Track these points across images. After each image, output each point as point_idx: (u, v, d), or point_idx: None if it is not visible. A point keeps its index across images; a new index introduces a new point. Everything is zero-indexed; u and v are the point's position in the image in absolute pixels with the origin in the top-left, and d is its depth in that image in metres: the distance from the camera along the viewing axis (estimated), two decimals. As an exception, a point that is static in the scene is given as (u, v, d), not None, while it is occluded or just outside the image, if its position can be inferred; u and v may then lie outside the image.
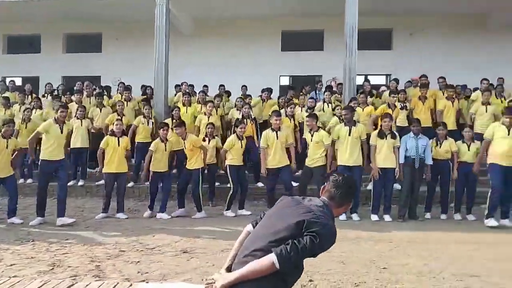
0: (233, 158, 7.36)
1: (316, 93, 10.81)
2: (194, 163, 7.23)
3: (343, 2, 9.83)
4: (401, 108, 8.65)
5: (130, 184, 8.41)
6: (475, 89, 9.74)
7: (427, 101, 8.92)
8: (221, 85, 10.93)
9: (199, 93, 9.97)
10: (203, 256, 4.85)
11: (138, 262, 4.59)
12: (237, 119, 8.43)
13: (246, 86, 10.70)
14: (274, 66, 12.84)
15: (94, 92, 10.20)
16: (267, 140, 7.28)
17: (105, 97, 9.99)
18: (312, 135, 7.26)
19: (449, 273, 4.30)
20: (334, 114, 8.47)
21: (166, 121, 8.13)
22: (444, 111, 8.71)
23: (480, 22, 12.38)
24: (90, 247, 5.17)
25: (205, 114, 8.77)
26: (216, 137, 8.06)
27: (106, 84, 11.97)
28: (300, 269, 2.19)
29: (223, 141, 7.95)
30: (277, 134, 7.25)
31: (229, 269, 2.26)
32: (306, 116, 7.62)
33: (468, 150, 7.06)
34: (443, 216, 7.19)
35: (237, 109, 9.06)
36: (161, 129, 7.28)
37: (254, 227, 2.43)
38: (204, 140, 7.78)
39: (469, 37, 12.40)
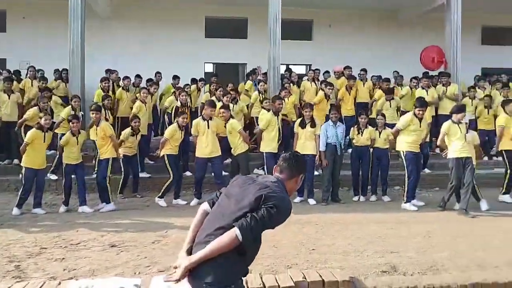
0: (172, 147, 7.25)
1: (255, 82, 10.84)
2: (104, 152, 6.95)
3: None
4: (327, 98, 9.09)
5: (54, 177, 7.92)
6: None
7: (352, 91, 9.51)
8: (158, 72, 10.60)
9: (124, 79, 9.56)
10: (133, 249, 4.70)
11: (63, 259, 4.32)
12: (177, 107, 8.23)
13: (178, 77, 10.53)
14: (198, 53, 12.62)
15: (1, 77, 9.26)
16: (198, 128, 7.25)
17: (15, 82, 9.15)
18: (225, 126, 7.42)
19: (371, 250, 4.64)
20: (263, 107, 8.63)
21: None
22: (379, 102, 9.30)
23: (392, 16, 13.33)
24: (7, 246, 4.74)
25: (141, 101, 8.46)
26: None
27: (14, 69, 10.87)
28: (258, 244, 2.27)
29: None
30: (208, 123, 7.22)
31: (189, 252, 2.25)
32: (220, 108, 7.69)
33: (379, 137, 7.65)
34: (362, 198, 7.72)
35: (176, 98, 8.91)
36: (70, 122, 6.90)
37: (210, 206, 2.42)
38: (132, 134, 7.56)
39: (381, 30, 13.29)
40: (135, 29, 12.38)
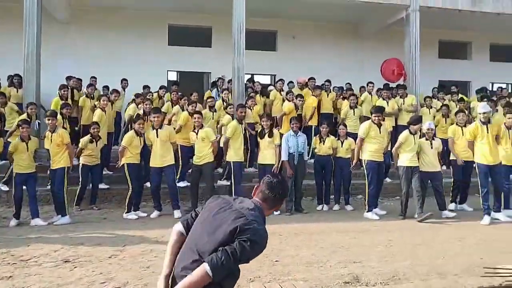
0: (132, 155, 7.00)
1: (217, 91, 10.81)
2: (58, 161, 6.63)
3: (231, 1, 9.95)
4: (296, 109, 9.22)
5: (5, 188, 7.52)
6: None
7: (322, 102, 9.72)
8: (124, 79, 10.39)
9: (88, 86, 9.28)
10: (88, 265, 4.46)
11: (10, 277, 4.02)
12: (137, 114, 8.04)
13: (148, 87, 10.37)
14: (161, 61, 12.41)
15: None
16: (148, 137, 7.16)
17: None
18: (197, 133, 7.28)
19: (334, 261, 4.62)
20: (227, 112, 8.69)
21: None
22: (343, 110, 9.56)
23: (355, 29, 13.66)
24: None
25: (101, 109, 8.22)
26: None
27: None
28: (236, 275, 2.17)
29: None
30: (157, 133, 7.05)
31: (168, 277, 2.17)
32: (195, 113, 7.61)
33: (342, 146, 7.74)
34: (326, 208, 7.75)
35: (137, 105, 8.76)
36: (20, 127, 6.59)
37: (185, 227, 2.30)
38: (91, 141, 7.27)
39: (344, 42, 13.56)
40: (96, 35, 12.03)
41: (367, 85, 10.51)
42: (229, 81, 10.62)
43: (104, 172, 8.25)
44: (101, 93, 9.52)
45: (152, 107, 8.04)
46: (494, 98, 10.60)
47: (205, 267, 1.98)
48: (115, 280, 3.98)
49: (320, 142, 7.72)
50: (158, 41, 12.50)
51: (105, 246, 5.17)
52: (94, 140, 7.39)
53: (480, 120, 6.86)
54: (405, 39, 11.05)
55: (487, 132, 6.76)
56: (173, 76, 13.74)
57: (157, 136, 7.05)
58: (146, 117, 7.76)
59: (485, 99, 9.91)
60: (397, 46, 11.54)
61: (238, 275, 2.20)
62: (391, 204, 8.25)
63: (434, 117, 9.86)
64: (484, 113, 6.83)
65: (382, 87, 10.66)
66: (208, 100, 9.35)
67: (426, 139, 7.09)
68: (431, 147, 7.02)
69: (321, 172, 7.78)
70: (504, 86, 13.35)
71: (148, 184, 7.98)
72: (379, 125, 7.22)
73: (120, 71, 10.88)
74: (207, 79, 13.12)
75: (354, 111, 9.39)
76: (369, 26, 13.20)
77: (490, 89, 14.18)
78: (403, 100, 9.94)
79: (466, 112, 8.86)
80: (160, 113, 7.38)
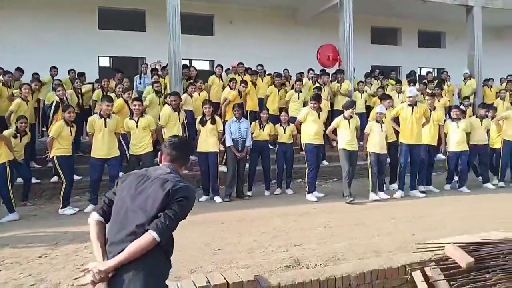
0: (62, 147, 6.57)
1: (140, 77, 10.38)
2: None
3: (165, -18, 9.59)
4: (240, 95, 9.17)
5: None
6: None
7: (257, 87, 9.62)
8: (53, 67, 9.64)
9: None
10: (15, 266, 4.12)
11: None
12: (57, 102, 7.55)
13: (56, 68, 9.68)
14: (91, 46, 11.73)
15: None
16: (93, 126, 6.72)
17: None
18: (137, 121, 6.99)
19: (276, 245, 4.65)
20: (165, 102, 8.35)
21: None
22: (270, 97, 9.48)
23: (291, 15, 13.77)
24: None
25: (22, 98, 7.60)
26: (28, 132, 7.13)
27: None
28: (173, 239, 2.29)
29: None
30: (105, 121, 6.68)
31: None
32: (134, 100, 7.31)
33: (284, 132, 7.82)
34: (267, 193, 7.81)
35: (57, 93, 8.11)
36: None
37: (101, 214, 2.31)
38: (15, 136, 6.72)
39: (281, 27, 13.64)
40: (23, 19, 11.08)
41: (308, 71, 10.65)
42: (164, 67, 10.29)
43: (31, 166, 7.68)
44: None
45: (104, 95, 7.70)
46: (425, 82, 11.21)
47: (151, 233, 2.07)
48: (46, 281, 3.72)
49: (260, 128, 7.71)
50: (87, 25, 11.78)
51: (34, 245, 4.81)
52: (19, 134, 6.83)
53: (407, 103, 7.39)
54: (339, 25, 11.31)
55: (411, 114, 7.33)
56: (105, 62, 13.09)
57: (105, 126, 6.66)
58: (63, 104, 7.40)
59: (412, 83, 10.46)
60: (332, 32, 11.78)
61: (173, 241, 2.31)
62: (329, 186, 8.50)
63: (366, 101, 10.23)
64: (410, 96, 7.44)
65: (319, 72, 10.85)
66: (155, 84, 8.97)
67: (377, 121, 7.36)
68: (381, 130, 7.31)
69: (257, 157, 7.78)
70: (431, 70, 14.15)
71: (75, 176, 7.55)
72: (318, 110, 7.38)
73: (48, 58, 10.19)
74: (141, 64, 12.61)
75: (298, 95, 9.48)
76: (305, 12, 13.35)
77: (419, 73, 15.02)
78: (340, 85, 10.19)
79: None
80: (112, 102, 6.98)
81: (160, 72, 10.24)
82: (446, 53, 15.89)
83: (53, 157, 6.58)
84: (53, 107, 7.76)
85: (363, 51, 13.47)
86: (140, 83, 10.13)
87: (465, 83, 11.95)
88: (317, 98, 7.52)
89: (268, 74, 10.44)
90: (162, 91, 9.09)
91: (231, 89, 9.16)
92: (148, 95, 8.91)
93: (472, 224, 5.45)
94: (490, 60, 13.59)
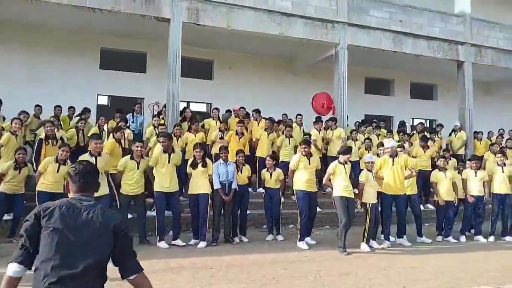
0: (46, 182, 6.68)
1: (133, 116, 10.41)
2: None
3: (167, 28, 9.94)
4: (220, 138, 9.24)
5: None
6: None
7: (253, 131, 9.80)
8: (37, 106, 9.69)
9: None
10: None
11: None
12: (40, 139, 7.65)
13: (60, 107, 9.84)
14: (91, 84, 11.95)
15: None
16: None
17: None
18: (138, 162, 7.15)
19: (265, 294, 4.58)
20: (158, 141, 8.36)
21: None
22: (261, 141, 9.69)
23: (288, 64, 14.21)
24: None
25: (11, 132, 7.67)
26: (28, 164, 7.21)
27: None
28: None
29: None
30: (96, 160, 6.67)
31: None
32: (138, 142, 7.54)
33: (271, 177, 7.86)
34: (244, 239, 7.64)
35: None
36: None
37: (23, 263, 2.04)
38: (16, 168, 6.85)
39: (278, 76, 14.01)
40: (20, 53, 11.33)
41: (296, 117, 10.91)
42: (162, 109, 10.47)
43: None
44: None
45: (94, 133, 7.75)
46: (409, 133, 11.47)
47: (144, 274, 2.18)
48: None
49: (238, 171, 7.70)
50: (89, 64, 12.06)
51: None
52: (18, 166, 6.84)
53: (388, 155, 7.64)
54: (334, 75, 11.66)
55: (393, 164, 7.50)
56: (103, 101, 13.28)
57: (96, 164, 6.69)
58: (48, 141, 7.51)
59: (401, 134, 10.79)
60: (327, 81, 12.12)
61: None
62: (321, 234, 8.43)
63: (359, 149, 10.40)
64: (387, 147, 7.66)
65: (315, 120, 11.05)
66: (160, 127, 9.07)
67: (368, 170, 7.41)
68: (373, 179, 7.34)
69: (238, 202, 7.65)
70: (423, 121, 14.46)
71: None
72: (309, 156, 7.47)
73: (45, 93, 10.37)
74: (135, 104, 12.81)
75: (289, 141, 9.60)
76: (302, 61, 13.78)
77: (411, 124, 15.33)
78: (333, 132, 10.38)
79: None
80: (101, 140, 7.06)
81: (155, 113, 10.44)
82: (438, 105, 16.31)
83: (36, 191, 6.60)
84: (37, 143, 7.79)
85: (357, 101, 13.82)
86: (133, 122, 10.17)
87: (455, 135, 12.20)
88: (306, 142, 7.64)
89: (265, 119, 10.60)
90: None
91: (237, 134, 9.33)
92: (151, 136, 9.01)
93: (463, 276, 5.41)
94: (480, 113, 13.96)
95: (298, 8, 11.03)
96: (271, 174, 7.87)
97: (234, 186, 7.42)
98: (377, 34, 11.96)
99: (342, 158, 7.24)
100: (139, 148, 7.13)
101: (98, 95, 12.51)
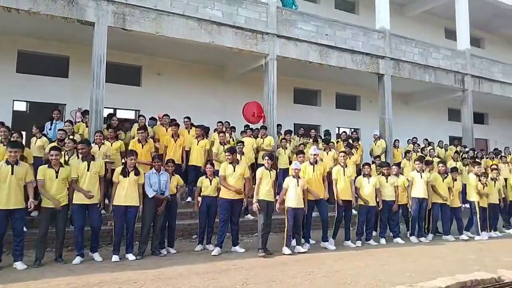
0: None
1: (51, 124, 9.64)
2: None
3: (91, 32, 9.52)
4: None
5: None
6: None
7: (179, 139, 9.55)
8: None
9: None
10: None
11: None
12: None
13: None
14: (6, 89, 11.08)
15: None
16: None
17: None
18: (57, 171, 6.61)
19: (190, 306, 4.47)
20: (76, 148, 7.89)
21: None
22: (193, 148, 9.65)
23: (219, 72, 14.22)
24: None
25: None
26: None
27: None
28: None
29: None
30: (12, 169, 6.19)
31: None
32: (80, 142, 7.16)
33: (210, 184, 7.71)
34: (172, 251, 7.51)
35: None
36: None
37: None
38: None
39: (209, 83, 13.99)
40: None
41: (223, 124, 10.99)
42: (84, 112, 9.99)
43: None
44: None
45: (9, 140, 7.17)
46: (333, 141, 12.02)
47: None
48: None
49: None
50: (4, 67, 11.17)
51: None
52: None
53: (309, 161, 8.09)
54: (264, 85, 11.87)
55: (313, 171, 7.96)
56: (21, 107, 12.37)
57: (12, 173, 6.16)
58: None
59: (325, 142, 11.16)
60: (257, 90, 12.32)
61: None
62: (250, 241, 8.47)
63: (289, 157, 10.64)
64: (314, 154, 8.13)
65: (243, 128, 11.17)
66: (97, 134, 8.54)
67: (293, 177, 7.64)
68: (298, 185, 7.54)
69: (166, 213, 7.46)
70: (346, 130, 15.15)
71: None
72: (234, 164, 7.60)
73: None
74: (53, 110, 12.04)
75: (224, 147, 9.56)
76: (233, 70, 13.88)
77: (337, 132, 16.02)
78: (263, 140, 10.55)
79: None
80: (18, 148, 6.37)
81: (79, 120, 9.90)
82: (361, 115, 17.24)
83: None
84: None
85: (287, 110, 14.19)
86: (50, 129, 9.47)
87: (375, 143, 13.02)
88: (231, 150, 7.74)
89: (195, 126, 10.47)
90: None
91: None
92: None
93: (384, 277, 5.70)
94: (398, 123, 14.96)
95: (228, 17, 11.11)
96: (210, 181, 7.74)
97: (167, 194, 7.25)
98: (305, 46, 12.39)
99: (266, 163, 7.51)
100: (53, 157, 6.64)
101: (14, 100, 11.61)
